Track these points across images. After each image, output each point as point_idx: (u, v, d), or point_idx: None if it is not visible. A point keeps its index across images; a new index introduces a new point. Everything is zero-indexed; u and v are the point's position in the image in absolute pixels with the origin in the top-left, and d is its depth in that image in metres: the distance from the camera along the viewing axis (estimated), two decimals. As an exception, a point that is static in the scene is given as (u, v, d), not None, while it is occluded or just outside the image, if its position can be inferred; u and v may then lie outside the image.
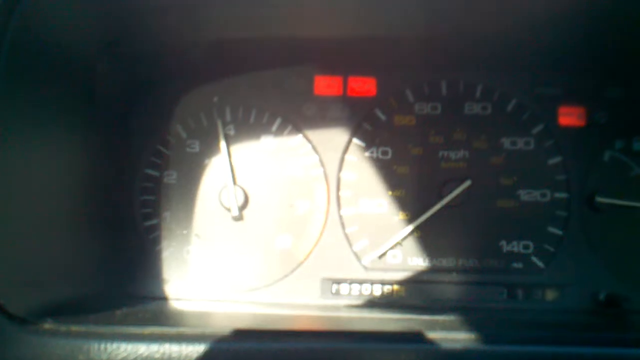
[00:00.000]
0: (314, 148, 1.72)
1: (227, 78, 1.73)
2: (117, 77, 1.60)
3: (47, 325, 1.17)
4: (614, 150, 1.71)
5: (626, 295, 1.58)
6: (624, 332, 1.41)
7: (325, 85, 1.74)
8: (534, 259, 1.68)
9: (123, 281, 1.62)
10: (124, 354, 1.14)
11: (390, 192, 1.71)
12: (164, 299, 1.64)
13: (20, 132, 1.23)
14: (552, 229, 1.68)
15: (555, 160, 1.70)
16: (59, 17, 1.28)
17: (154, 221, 1.69)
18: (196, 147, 1.72)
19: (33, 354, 1.13)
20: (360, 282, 1.67)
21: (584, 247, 1.67)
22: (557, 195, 1.69)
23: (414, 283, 1.67)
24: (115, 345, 1.14)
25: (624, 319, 1.56)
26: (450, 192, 1.66)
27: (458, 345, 1.21)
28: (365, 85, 1.74)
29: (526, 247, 1.68)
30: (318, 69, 1.74)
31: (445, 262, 1.68)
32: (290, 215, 1.70)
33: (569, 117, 1.71)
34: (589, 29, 1.49)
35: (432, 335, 1.24)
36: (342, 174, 1.72)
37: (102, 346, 1.14)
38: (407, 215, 1.70)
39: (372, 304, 1.66)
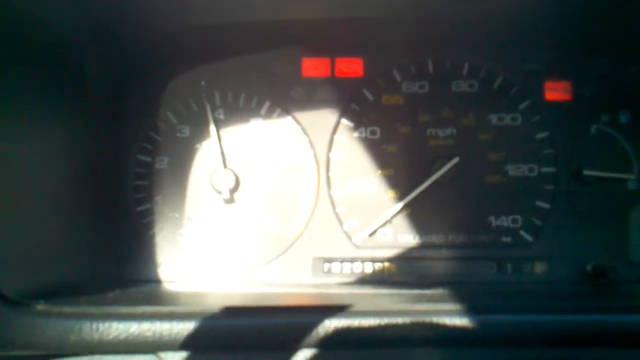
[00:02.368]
0: (303, 130, 1.73)
1: (216, 63, 1.75)
2: (106, 63, 1.62)
3: (40, 306, 1.19)
4: (600, 123, 1.72)
5: (613, 266, 1.60)
6: (610, 301, 1.43)
7: (312, 67, 1.76)
8: (523, 232, 1.70)
9: (116, 265, 1.64)
10: (115, 333, 1.16)
11: (379, 171, 1.72)
12: (157, 281, 1.66)
13: (12, 120, 1.24)
14: (540, 203, 1.70)
15: (542, 135, 1.71)
16: (47, 2, 1.29)
17: (147, 206, 1.71)
18: (186, 132, 1.74)
19: (26, 334, 1.15)
20: (352, 260, 1.69)
21: (571, 220, 1.69)
22: (545, 169, 1.71)
23: (404, 260, 1.69)
24: (106, 324, 1.16)
25: (610, 289, 1.57)
26: (439, 169, 1.68)
27: (447, 316, 1.23)
28: (352, 66, 1.76)
29: (515, 221, 1.70)
30: (305, 51, 1.75)
31: (435, 239, 1.70)
32: (281, 197, 1.71)
33: (555, 92, 1.73)
34: (572, 6, 1.50)
35: (421, 307, 1.26)
36: (331, 155, 1.73)
37: (94, 326, 1.16)
38: (396, 193, 1.72)
39: (364, 281, 1.68)
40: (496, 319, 1.25)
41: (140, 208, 1.70)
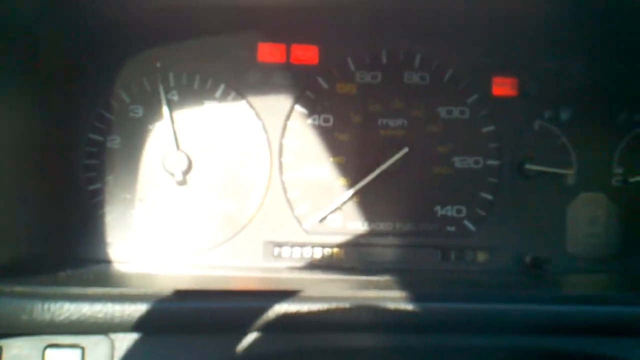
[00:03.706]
0: (257, 114, 1.75)
1: (171, 44, 1.74)
2: (60, 38, 1.59)
3: (-10, 286, 1.19)
4: (544, 119, 1.79)
5: (549, 258, 1.67)
6: (544, 290, 1.50)
7: (268, 52, 1.76)
8: (467, 222, 1.76)
9: (67, 244, 1.63)
10: (67, 314, 1.17)
11: (331, 159, 1.76)
12: (107, 261, 1.66)
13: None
14: (484, 195, 1.77)
15: (488, 129, 1.77)
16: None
17: (98, 185, 1.69)
18: (139, 112, 1.73)
19: (-23, 313, 1.15)
20: (302, 245, 1.73)
21: (512, 212, 1.76)
22: (490, 162, 1.77)
23: (352, 246, 1.74)
24: (58, 305, 1.17)
25: (546, 279, 1.65)
26: (388, 159, 1.72)
27: (391, 303, 1.28)
28: (308, 53, 1.77)
29: (459, 211, 1.76)
30: (261, 36, 1.76)
31: (383, 226, 1.75)
32: (233, 180, 1.73)
33: (502, 87, 1.79)
34: (522, 3, 1.55)
35: (367, 294, 1.30)
36: (284, 140, 1.75)
37: (46, 306, 1.17)
38: (347, 181, 1.75)
39: (313, 266, 1.72)
40: (437, 306, 1.31)
41: (91, 187, 1.69)
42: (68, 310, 1.17)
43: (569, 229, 1.78)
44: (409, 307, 1.28)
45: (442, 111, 1.77)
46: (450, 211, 1.76)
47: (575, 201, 1.79)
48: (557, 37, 1.76)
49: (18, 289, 1.19)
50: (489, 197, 1.76)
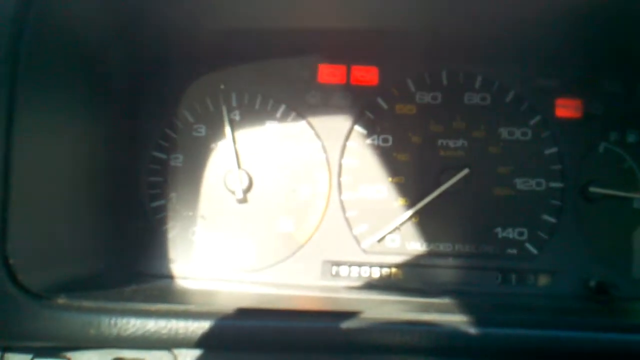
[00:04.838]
0: (316, 134, 1.77)
1: (234, 66, 1.78)
2: (128, 62, 1.64)
3: (61, 300, 1.22)
4: (609, 142, 1.75)
5: (615, 283, 1.63)
6: (611, 318, 1.46)
7: (328, 73, 1.79)
8: (528, 245, 1.73)
9: (131, 260, 1.67)
10: (133, 329, 1.20)
11: (390, 179, 1.76)
12: (170, 277, 1.69)
13: (36, 117, 1.27)
14: (546, 217, 1.73)
15: (551, 150, 1.75)
16: (73, 4, 1.32)
17: (161, 202, 1.74)
18: (202, 131, 1.77)
19: (47, 327, 1.18)
20: (360, 264, 1.73)
21: (576, 235, 1.72)
22: (552, 184, 1.74)
23: (411, 267, 1.73)
24: (125, 320, 1.20)
25: (612, 306, 1.61)
26: (448, 179, 1.71)
27: (451, 328, 1.26)
28: (367, 75, 1.79)
29: (521, 234, 1.73)
30: (322, 58, 1.78)
31: (442, 247, 1.73)
32: (292, 199, 1.75)
33: (566, 109, 1.76)
34: (587, 24, 1.53)
35: (427, 317, 1.29)
36: (343, 160, 1.76)
37: (113, 321, 1.19)
38: (406, 201, 1.75)
39: (371, 286, 1.72)
40: (498, 332, 1.28)
41: (154, 204, 1.74)
42: (134, 325, 1.20)
43: (635, 253, 1.73)
44: (469, 331, 1.26)
45: (504, 132, 1.75)
46: (511, 233, 1.73)
47: (642, 225, 1.74)
48: (623, 59, 1.73)
49: (86, 304, 1.22)
50: (552, 220, 1.73)
